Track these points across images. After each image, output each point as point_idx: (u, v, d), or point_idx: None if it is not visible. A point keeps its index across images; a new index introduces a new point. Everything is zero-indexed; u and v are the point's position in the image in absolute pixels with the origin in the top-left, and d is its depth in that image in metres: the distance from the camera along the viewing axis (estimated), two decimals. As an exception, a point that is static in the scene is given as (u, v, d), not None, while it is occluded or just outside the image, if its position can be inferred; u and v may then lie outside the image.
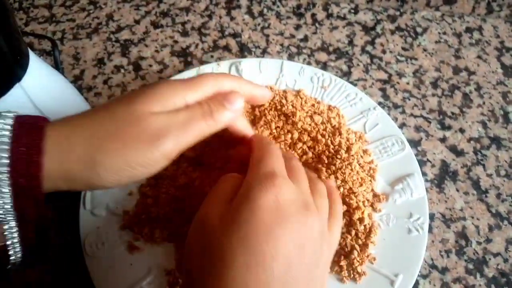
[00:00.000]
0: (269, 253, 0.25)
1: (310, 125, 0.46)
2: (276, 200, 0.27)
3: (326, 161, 0.44)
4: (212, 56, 0.58)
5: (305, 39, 0.59)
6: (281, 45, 0.58)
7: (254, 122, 0.48)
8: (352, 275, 0.38)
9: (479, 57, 0.57)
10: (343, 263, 0.39)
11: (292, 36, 0.59)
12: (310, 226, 0.28)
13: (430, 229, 0.43)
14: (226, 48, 0.58)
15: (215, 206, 0.29)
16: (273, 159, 0.31)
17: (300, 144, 0.44)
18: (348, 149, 0.44)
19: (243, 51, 0.58)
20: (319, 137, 0.45)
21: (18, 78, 0.37)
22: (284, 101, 0.48)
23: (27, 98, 0.39)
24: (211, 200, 0.30)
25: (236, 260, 0.25)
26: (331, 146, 0.45)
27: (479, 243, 0.43)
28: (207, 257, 0.27)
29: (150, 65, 0.57)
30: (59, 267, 0.41)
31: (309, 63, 0.56)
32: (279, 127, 0.46)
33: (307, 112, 0.47)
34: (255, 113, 0.48)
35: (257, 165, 0.30)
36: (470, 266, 0.41)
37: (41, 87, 0.40)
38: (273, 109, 0.48)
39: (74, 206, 0.43)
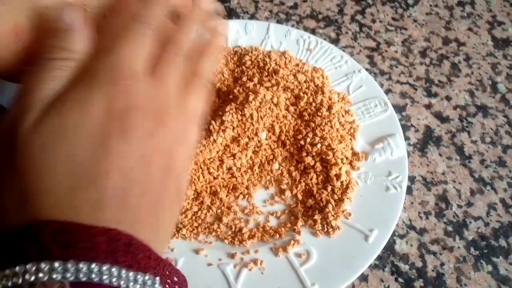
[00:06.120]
0: (103, 169, 0.20)
1: (293, 83, 0.45)
2: (119, 107, 0.21)
3: (307, 118, 0.43)
4: (199, 20, 0.57)
5: (295, 6, 0.58)
6: (270, 11, 0.58)
7: (236, 79, 0.47)
8: (325, 229, 0.37)
9: (469, 29, 0.56)
10: (317, 217, 0.38)
11: (282, 3, 0.59)
12: (161, 139, 0.22)
13: (410, 191, 0.42)
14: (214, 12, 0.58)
15: (29, 107, 0.21)
16: (133, 45, 0.23)
17: (282, 99, 0.43)
18: (329, 108, 0.43)
19: (231, 16, 0.57)
20: (302, 94, 0.44)
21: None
22: (267, 59, 0.47)
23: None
24: (25, 98, 0.21)
25: (59, 184, 0.20)
26: (313, 104, 0.44)
27: (459, 206, 0.42)
28: (16, 182, 0.20)
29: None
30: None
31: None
32: (262, 84, 0.45)
33: (290, 71, 0.46)
34: (235, 72, 0.47)
35: (107, 50, 0.22)
36: (450, 228, 0.40)
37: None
38: (256, 67, 0.47)
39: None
